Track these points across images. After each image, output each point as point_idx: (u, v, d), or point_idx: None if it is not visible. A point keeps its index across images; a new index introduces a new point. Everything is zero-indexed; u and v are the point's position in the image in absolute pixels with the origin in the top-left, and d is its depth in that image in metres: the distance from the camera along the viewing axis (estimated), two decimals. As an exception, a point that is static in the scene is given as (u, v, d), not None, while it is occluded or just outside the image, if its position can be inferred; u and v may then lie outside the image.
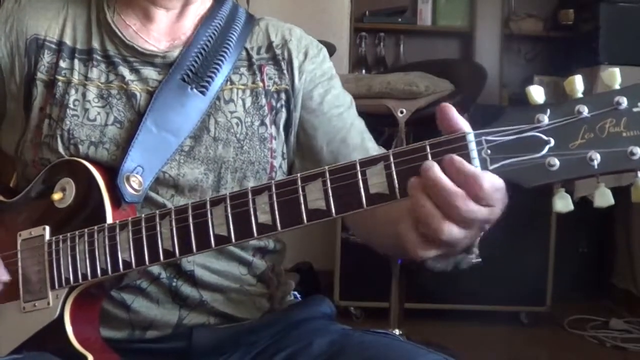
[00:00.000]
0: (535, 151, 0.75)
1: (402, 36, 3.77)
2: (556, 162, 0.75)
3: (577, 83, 0.76)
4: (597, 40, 3.08)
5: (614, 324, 3.04)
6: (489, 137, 0.77)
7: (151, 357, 1.06)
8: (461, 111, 0.79)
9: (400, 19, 3.72)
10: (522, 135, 0.76)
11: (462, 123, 0.79)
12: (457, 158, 0.76)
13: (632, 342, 2.89)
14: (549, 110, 0.76)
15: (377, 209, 0.82)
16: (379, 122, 2.54)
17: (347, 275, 3.02)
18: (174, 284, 1.06)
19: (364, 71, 3.66)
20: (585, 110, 0.75)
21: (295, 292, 1.24)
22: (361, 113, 1.21)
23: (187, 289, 1.06)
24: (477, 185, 0.75)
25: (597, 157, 0.74)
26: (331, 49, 3.02)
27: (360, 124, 1.18)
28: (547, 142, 0.75)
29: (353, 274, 2.99)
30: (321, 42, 1.22)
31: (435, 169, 0.77)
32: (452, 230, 0.78)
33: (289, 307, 1.17)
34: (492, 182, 0.76)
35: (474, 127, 0.78)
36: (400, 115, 2.37)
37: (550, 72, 3.64)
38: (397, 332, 2.41)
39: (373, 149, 1.15)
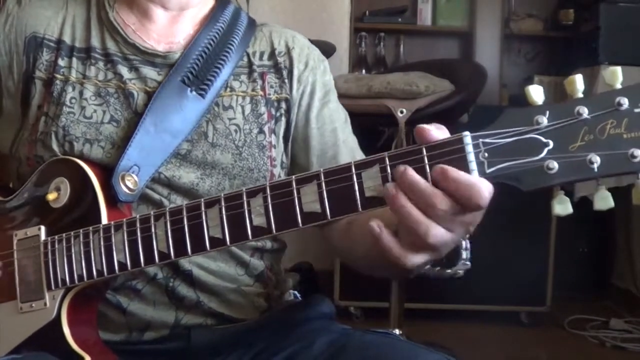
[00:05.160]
0: (533, 154, 0.74)
1: (402, 36, 3.77)
2: (555, 165, 0.73)
3: (578, 83, 0.74)
4: (597, 40, 3.07)
5: (614, 324, 3.04)
6: (487, 140, 0.75)
7: (150, 358, 1.06)
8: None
9: (400, 19, 3.72)
10: (521, 137, 0.74)
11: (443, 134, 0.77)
12: (450, 169, 0.75)
13: (632, 342, 2.88)
14: (548, 112, 0.74)
15: (352, 228, 0.79)
16: (379, 122, 2.54)
17: (347, 275, 3.01)
18: (170, 284, 1.06)
19: (364, 71, 3.66)
20: (585, 112, 0.73)
21: (295, 292, 1.23)
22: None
23: (183, 290, 1.06)
24: (478, 194, 0.74)
25: (597, 160, 0.72)
26: (331, 49, 3.02)
27: (352, 141, 1.18)
28: (546, 145, 0.73)
29: (353, 274, 2.96)
30: (321, 42, 1.21)
31: (409, 172, 0.75)
32: (437, 233, 0.76)
33: (288, 307, 1.17)
34: (490, 190, 0.75)
35: (474, 126, 0.77)
36: (400, 115, 2.37)
37: (550, 72, 3.64)
38: (397, 332, 2.41)
39: None
